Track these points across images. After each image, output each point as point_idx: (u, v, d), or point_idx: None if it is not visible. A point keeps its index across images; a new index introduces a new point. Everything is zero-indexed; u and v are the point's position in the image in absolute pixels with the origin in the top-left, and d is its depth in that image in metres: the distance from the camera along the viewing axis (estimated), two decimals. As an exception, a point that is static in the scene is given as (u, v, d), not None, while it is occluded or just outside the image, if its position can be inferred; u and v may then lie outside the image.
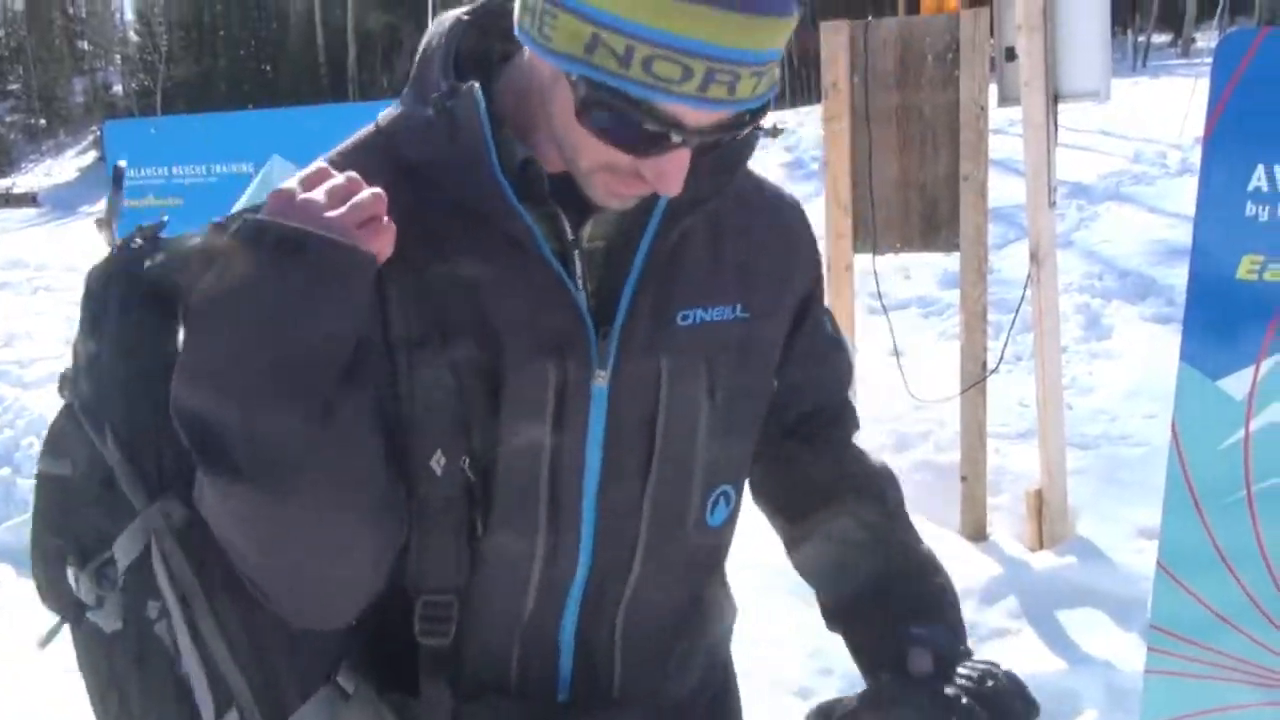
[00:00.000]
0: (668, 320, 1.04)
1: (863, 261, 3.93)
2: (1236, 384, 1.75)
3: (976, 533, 3.76)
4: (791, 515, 1.23)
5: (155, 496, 0.97)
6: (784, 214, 1.18)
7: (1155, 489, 3.68)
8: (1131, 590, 3.32)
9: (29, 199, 18.41)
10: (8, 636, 4.02)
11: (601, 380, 1.01)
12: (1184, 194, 7.00)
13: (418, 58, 1.03)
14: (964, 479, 3.77)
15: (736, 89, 0.86)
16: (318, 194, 0.88)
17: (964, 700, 0.97)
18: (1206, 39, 21.07)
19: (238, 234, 0.86)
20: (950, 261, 6.39)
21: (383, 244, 0.90)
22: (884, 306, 4.35)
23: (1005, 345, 3.92)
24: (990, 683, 0.99)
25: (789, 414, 1.21)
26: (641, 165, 0.91)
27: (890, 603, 1.11)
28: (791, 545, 1.23)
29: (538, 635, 1.07)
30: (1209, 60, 1.77)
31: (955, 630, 1.10)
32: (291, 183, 0.90)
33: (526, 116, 0.98)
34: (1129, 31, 22.23)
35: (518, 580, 1.03)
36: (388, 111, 1.04)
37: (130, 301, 0.98)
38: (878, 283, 4.03)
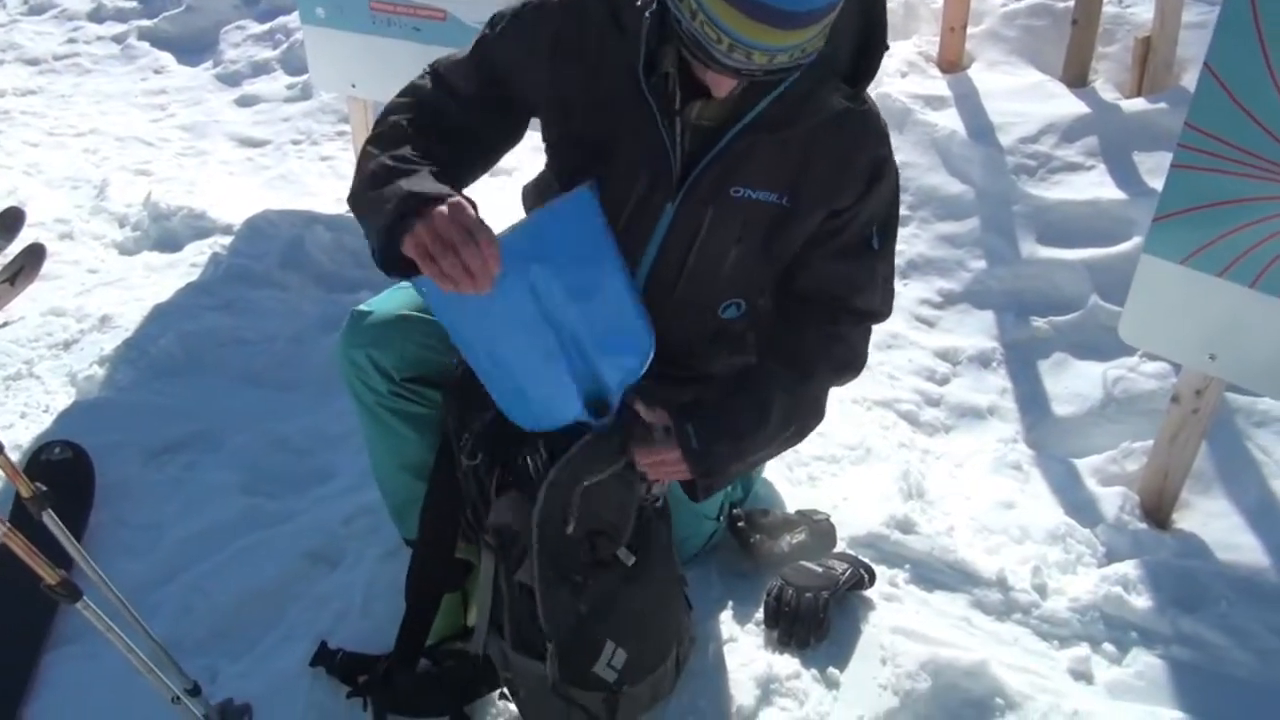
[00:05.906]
0: (724, 189, 1.60)
1: None
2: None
3: (1078, 78, 3.77)
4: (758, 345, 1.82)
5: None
6: (856, 145, 1.62)
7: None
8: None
9: None
10: (180, 117, 4.54)
11: (670, 206, 1.63)
12: None
13: None
14: (1074, 22, 3.74)
15: (752, 59, 1.37)
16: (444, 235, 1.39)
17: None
18: None
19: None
20: None
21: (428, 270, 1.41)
22: None
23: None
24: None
25: (795, 282, 1.74)
26: (705, 74, 1.48)
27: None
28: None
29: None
30: None
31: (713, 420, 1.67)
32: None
33: None
34: None
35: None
36: None
37: None
38: None
